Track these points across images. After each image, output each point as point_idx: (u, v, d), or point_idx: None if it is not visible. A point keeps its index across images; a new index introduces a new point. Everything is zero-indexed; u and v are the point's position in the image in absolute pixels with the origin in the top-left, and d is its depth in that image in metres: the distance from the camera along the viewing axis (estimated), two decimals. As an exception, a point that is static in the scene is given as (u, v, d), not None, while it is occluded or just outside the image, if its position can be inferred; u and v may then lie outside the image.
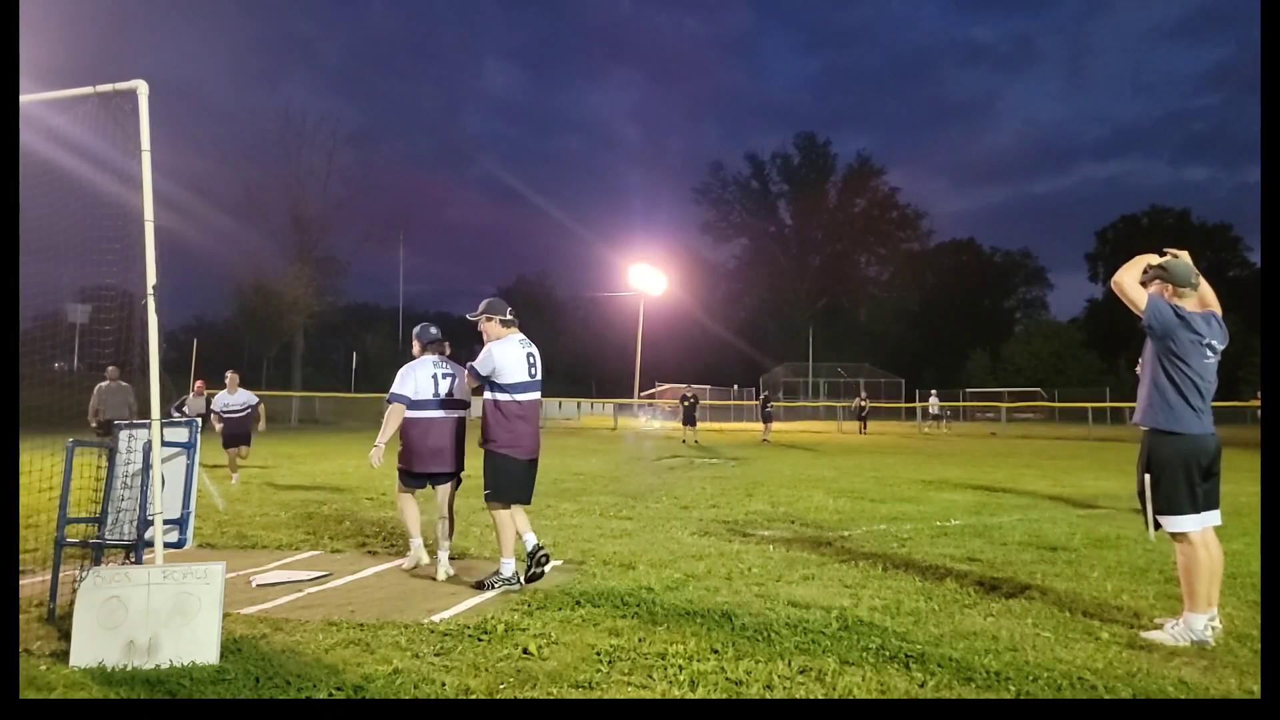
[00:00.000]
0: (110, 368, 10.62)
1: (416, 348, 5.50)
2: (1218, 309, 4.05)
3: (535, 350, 5.06)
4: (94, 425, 10.65)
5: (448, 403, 5.30)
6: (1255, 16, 3.58)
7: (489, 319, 5.02)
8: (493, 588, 4.69)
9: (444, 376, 5.32)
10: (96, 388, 11.01)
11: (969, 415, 42.65)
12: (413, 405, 5.22)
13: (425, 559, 5.31)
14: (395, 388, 5.25)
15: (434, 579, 4.99)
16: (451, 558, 5.24)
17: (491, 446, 4.83)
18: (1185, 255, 4.02)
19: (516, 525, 4.92)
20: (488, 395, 4.90)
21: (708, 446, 20.14)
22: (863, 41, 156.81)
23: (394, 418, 5.22)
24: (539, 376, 5.03)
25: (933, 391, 34.78)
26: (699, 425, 23.17)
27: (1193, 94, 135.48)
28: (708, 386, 44.82)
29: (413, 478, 5.32)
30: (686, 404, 22.43)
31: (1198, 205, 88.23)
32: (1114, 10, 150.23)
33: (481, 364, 4.85)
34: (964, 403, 41.52)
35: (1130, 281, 3.88)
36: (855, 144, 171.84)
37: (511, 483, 4.84)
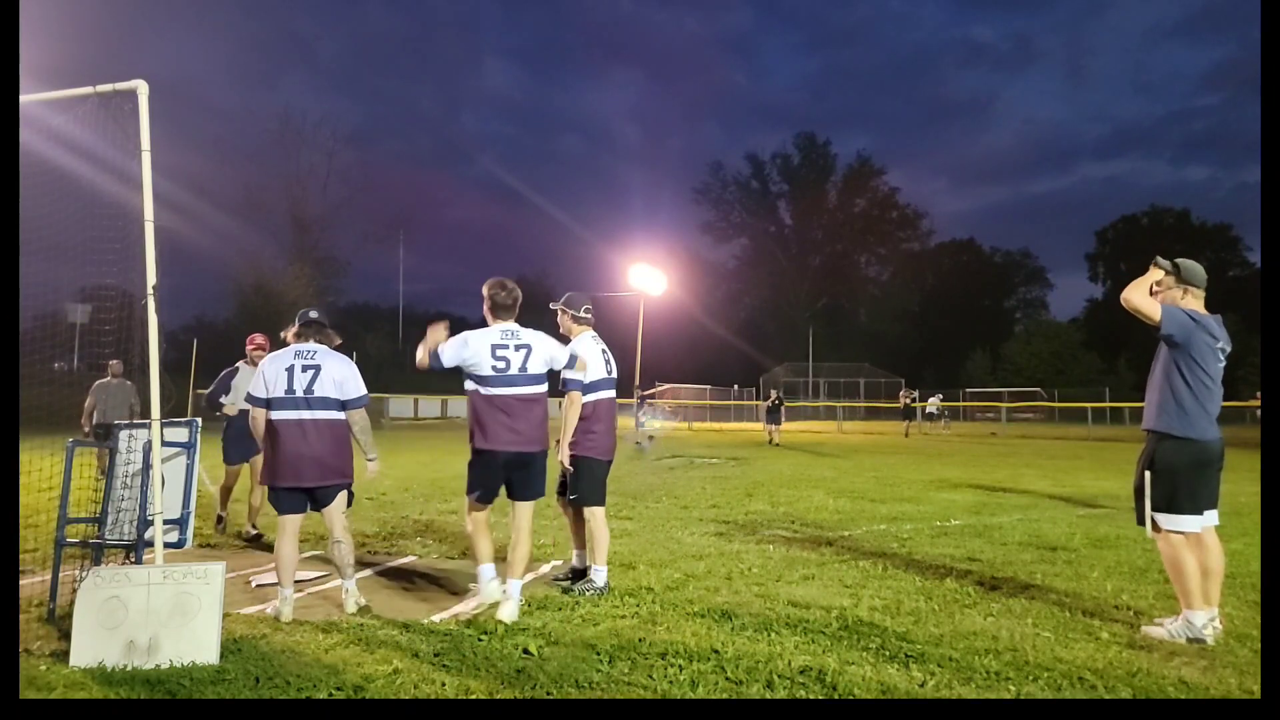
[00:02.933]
0: (113, 361, 9.31)
1: (289, 335, 4.54)
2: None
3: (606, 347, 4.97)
4: (86, 430, 9.16)
5: (311, 401, 4.28)
6: (1255, 16, 3.57)
7: (564, 312, 5.02)
8: (583, 595, 4.54)
9: (304, 369, 4.30)
10: (96, 384, 9.53)
11: (969, 415, 42.63)
12: (269, 406, 4.28)
13: (288, 614, 4.07)
14: (251, 387, 4.36)
15: (345, 610, 4.24)
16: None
17: (574, 449, 4.76)
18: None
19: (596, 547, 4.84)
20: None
21: (650, 449, 20.10)
22: (862, 41, 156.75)
23: (255, 424, 4.35)
24: (614, 375, 4.96)
25: (937, 395, 34.46)
26: (648, 423, 22.57)
27: (1193, 93, 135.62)
28: (708, 386, 44.78)
29: (282, 497, 4.27)
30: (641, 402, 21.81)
31: (1198, 205, 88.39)
32: (1114, 9, 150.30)
33: (572, 366, 4.64)
34: (964, 403, 41.51)
35: (1140, 296, 3.85)
36: (855, 144, 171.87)
37: (597, 485, 4.86)
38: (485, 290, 4.43)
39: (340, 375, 4.39)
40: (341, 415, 4.40)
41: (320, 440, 4.28)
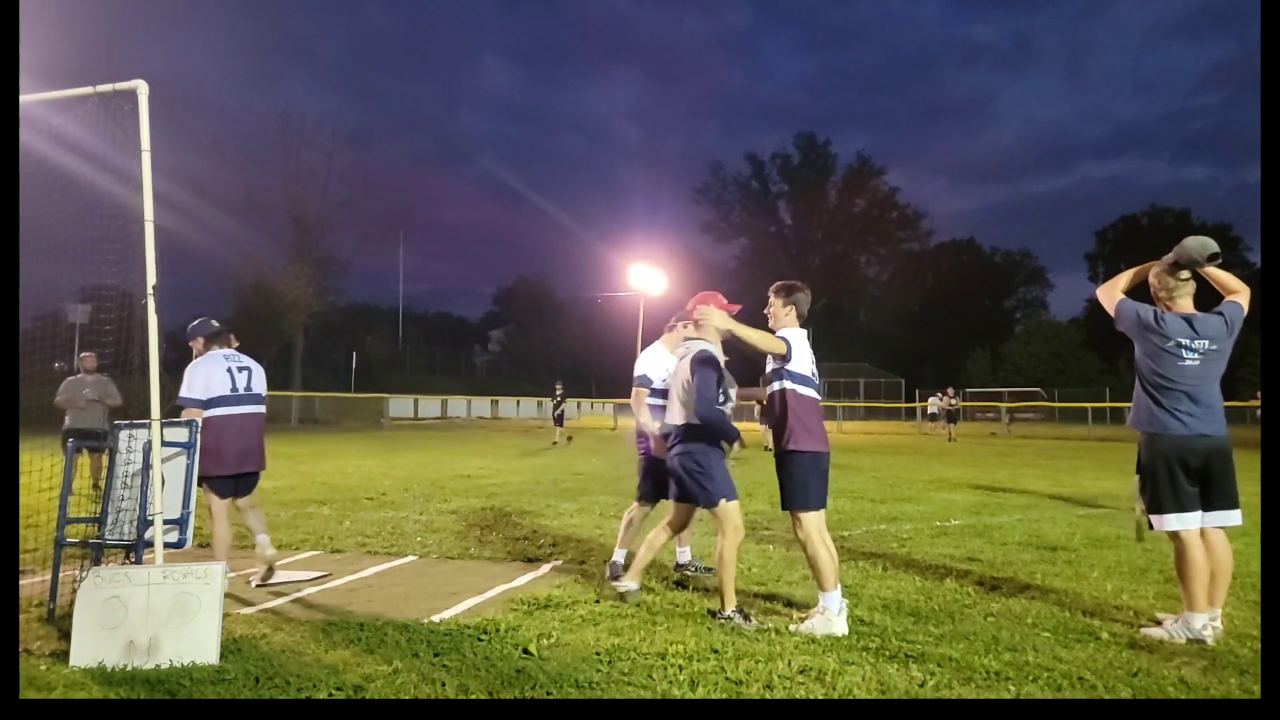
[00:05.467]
0: (85, 354, 8.28)
1: (199, 345, 5.01)
2: (1240, 298, 3.94)
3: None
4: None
5: (246, 397, 4.87)
6: (1255, 16, 3.57)
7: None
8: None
9: (239, 370, 4.89)
10: (66, 381, 8.26)
11: (969, 415, 42.61)
12: (207, 405, 4.72)
13: (274, 554, 4.90)
14: (183, 391, 4.72)
15: (268, 571, 4.89)
16: (451, 557, 5.18)
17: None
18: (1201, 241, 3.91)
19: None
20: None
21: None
22: (862, 40, 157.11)
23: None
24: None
25: (937, 395, 33.59)
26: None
27: (1193, 93, 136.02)
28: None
29: (223, 484, 4.79)
30: (557, 401, 21.53)
31: (1198, 205, 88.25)
32: (1114, 9, 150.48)
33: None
34: (964, 403, 41.47)
35: (1104, 290, 4.09)
36: (855, 143, 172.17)
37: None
38: (790, 295, 4.21)
39: (262, 375, 5.06)
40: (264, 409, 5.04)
41: (259, 431, 4.96)
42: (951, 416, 26.04)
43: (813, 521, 3.98)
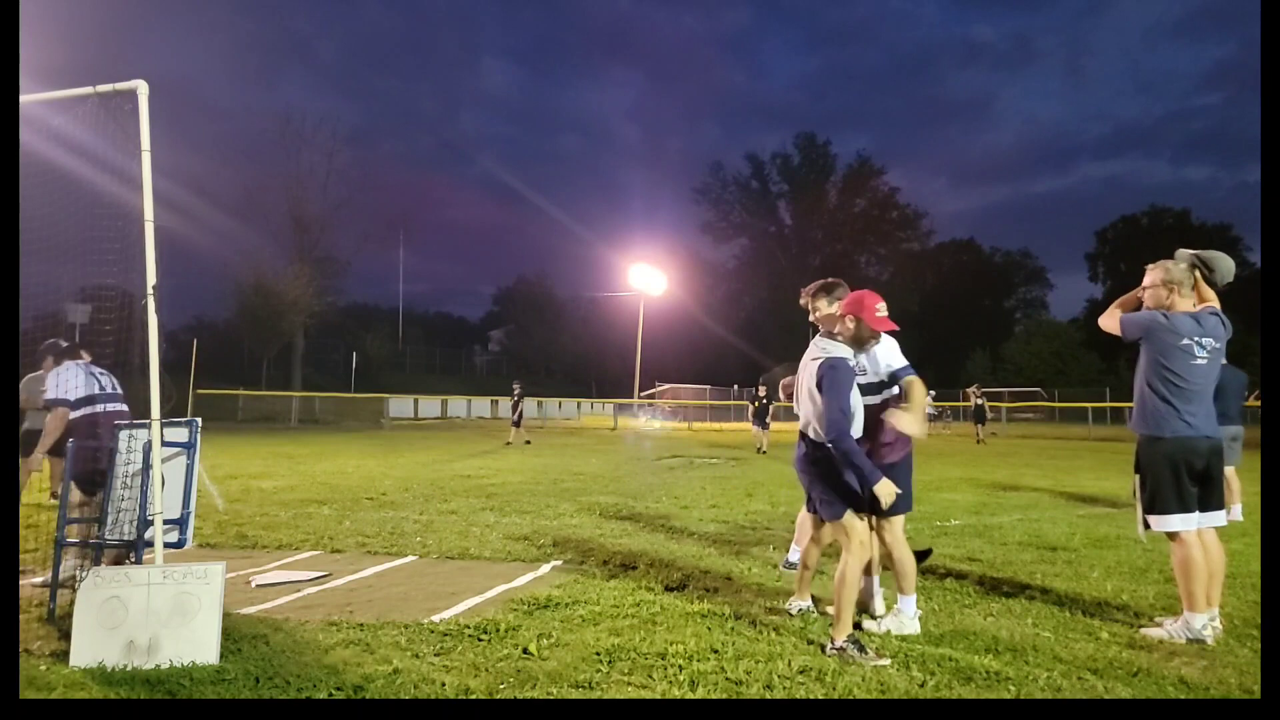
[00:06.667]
0: (52, 343, 7.08)
1: (49, 363, 5.32)
2: (1216, 305, 4.04)
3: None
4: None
5: (114, 396, 5.26)
6: (1255, 16, 3.58)
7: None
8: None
9: (100, 374, 5.27)
10: (28, 379, 6.79)
11: (962, 415, 42.60)
12: (76, 405, 5.08)
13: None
14: (50, 393, 5.08)
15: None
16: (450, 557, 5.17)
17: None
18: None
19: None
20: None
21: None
22: (862, 40, 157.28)
23: (56, 424, 5.02)
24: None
25: (931, 394, 33.16)
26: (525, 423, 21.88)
27: (1193, 93, 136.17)
28: (708, 386, 44.79)
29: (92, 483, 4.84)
30: (515, 401, 21.31)
31: (1198, 205, 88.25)
32: (1114, 8, 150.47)
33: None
34: (964, 402, 41.46)
35: (1105, 318, 4.13)
36: (855, 143, 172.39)
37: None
38: (832, 293, 4.24)
39: (115, 380, 5.45)
40: None
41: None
42: (979, 415, 23.78)
43: (898, 525, 4.07)
